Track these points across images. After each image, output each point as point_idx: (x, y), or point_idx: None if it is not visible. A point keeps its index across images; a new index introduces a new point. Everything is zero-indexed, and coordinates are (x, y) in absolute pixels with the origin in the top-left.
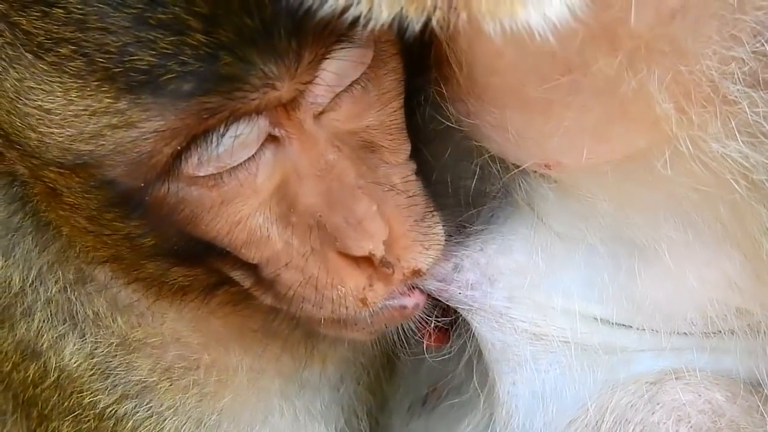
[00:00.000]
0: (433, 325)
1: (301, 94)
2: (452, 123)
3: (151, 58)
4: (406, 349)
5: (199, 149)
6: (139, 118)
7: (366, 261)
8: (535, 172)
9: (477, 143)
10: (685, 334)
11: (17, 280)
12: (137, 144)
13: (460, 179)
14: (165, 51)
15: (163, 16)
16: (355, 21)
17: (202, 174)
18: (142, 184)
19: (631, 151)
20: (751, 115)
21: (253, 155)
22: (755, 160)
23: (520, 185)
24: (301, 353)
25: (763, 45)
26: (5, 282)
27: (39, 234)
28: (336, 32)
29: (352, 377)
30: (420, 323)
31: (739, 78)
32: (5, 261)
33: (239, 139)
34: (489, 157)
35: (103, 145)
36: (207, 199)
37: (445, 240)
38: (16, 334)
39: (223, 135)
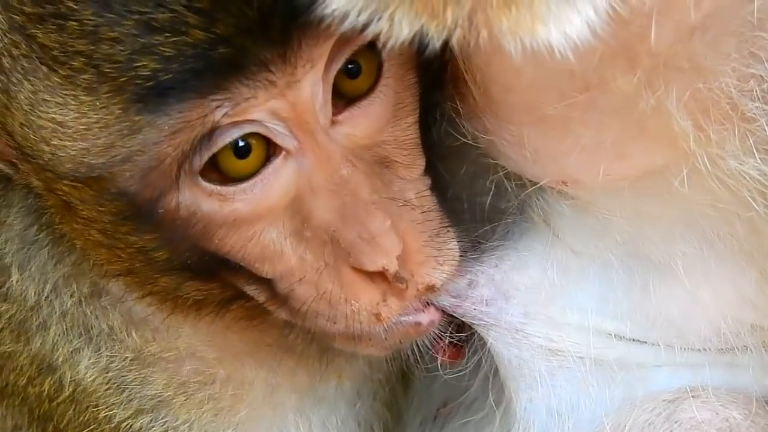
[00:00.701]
0: (447, 341)
1: (301, 84)
2: (468, 139)
3: (154, 64)
4: (420, 364)
5: (204, 147)
6: (147, 124)
7: (380, 276)
8: (552, 188)
9: (493, 160)
10: (700, 350)
11: (32, 294)
12: (146, 150)
13: (476, 195)
14: (167, 54)
15: (164, 17)
16: (376, 38)
17: (211, 189)
18: (154, 195)
19: (649, 169)
20: None
21: (267, 169)
22: None
23: (536, 202)
24: (317, 368)
25: None
26: (21, 296)
27: (54, 247)
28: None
29: (368, 392)
30: (435, 339)
31: (758, 95)
32: (21, 274)
33: (245, 141)
34: (504, 174)
35: (115, 156)
36: (220, 214)
37: (460, 256)
38: (31, 348)
39: (228, 134)
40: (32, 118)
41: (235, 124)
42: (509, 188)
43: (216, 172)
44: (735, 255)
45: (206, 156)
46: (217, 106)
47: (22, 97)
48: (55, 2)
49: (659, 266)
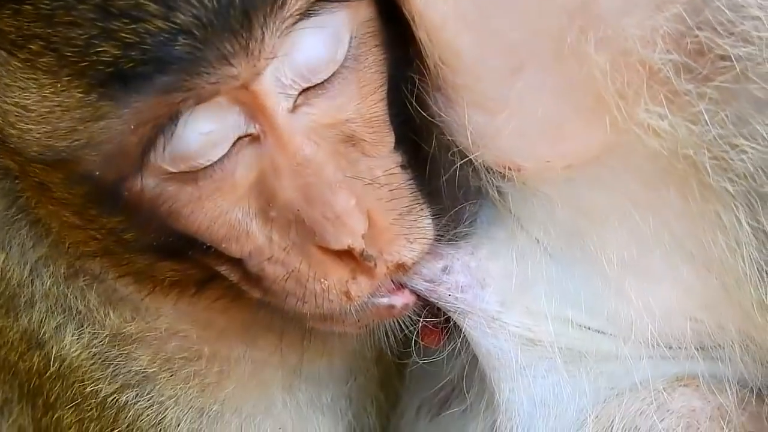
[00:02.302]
0: (422, 323)
1: (262, 76)
2: (432, 116)
3: (114, 50)
4: (395, 347)
5: (167, 142)
6: (108, 109)
7: (348, 254)
8: (502, 174)
9: (451, 138)
10: (674, 347)
11: (16, 273)
12: (108, 135)
13: (442, 175)
14: (127, 40)
15: (123, 3)
16: None
17: (175, 170)
18: (118, 178)
19: (586, 154)
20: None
21: (228, 152)
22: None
23: (496, 188)
24: (305, 346)
25: None
26: (6, 274)
27: (32, 228)
28: (295, 14)
29: (360, 371)
30: (412, 321)
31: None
32: (5, 254)
33: (210, 135)
34: (461, 155)
35: (78, 140)
36: (184, 195)
37: (436, 240)
38: (20, 324)
39: (190, 126)
40: None
41: (192, 108)
42: (466, 170)
43: (176, 155)
44: (672, 253)
45: (168, 142)
46: (181, 99)
47: None
48: None
49: (607, 263)
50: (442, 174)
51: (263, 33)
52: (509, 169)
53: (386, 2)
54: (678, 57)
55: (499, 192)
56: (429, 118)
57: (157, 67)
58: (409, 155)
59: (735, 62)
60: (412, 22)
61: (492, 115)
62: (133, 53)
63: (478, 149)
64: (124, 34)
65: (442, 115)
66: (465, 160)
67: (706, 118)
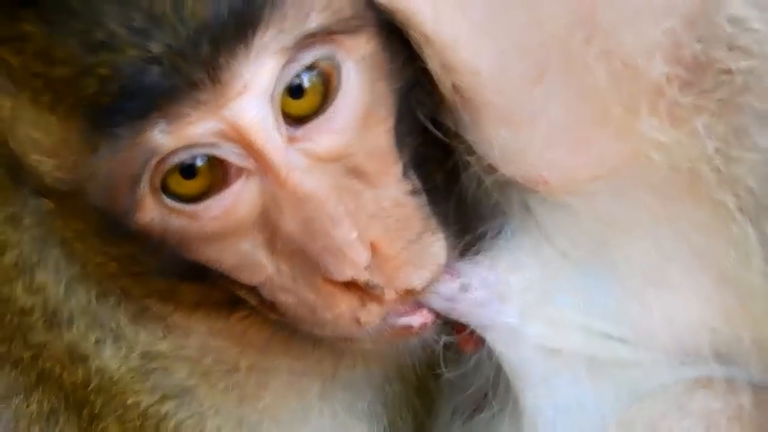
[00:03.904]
0: (469, 330)
1: (242, 110)
2: (449, 137)
3: (95, 85)
4: (423, 359)
5: (155, 171)
6: (99, 143)
7: (354, 284)
8: (529, 189)
9: (470, 157)
10: (696, 354)
11: (54, 290)
12: (103, 169)
13: (464, 194)
14: (104, 74)
15: (100, 35)
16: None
17: (175, 207)
18: (123, 211)
19: (606, 164)
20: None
21: (231, 188)
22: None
23: (520, 201)
24: (341, 355)
25: None
26: (47, 290)
27: (64, 247)
28: (270, 47)
29: (396, 378)
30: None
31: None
32: (43, 271)
33: (190, 162)
34: (484, 173)
35: (81, 173)
36: (190, 229)
37: (454, 257)
38: (64, 339)
39: (174, 155)
40: (14, 132)
41: (185, 147)
42: (493, 186)
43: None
44: (691, 264)
45: (158, 176)
46: (155, 126)
47: (6, 114)
48: (14, 25)
49: (630, 274)
50: (461, 193)
51: (229, 62)
52: (536, 182)
53: (391, 33)
54: (676, 70)
55: (524, 206)
56: (448, 139)
57: (129, 97)
58: (425, 179)
59: (735, 75)
60: (420, 50)
61: (517, 129)
62: (109, 87)
63: (504, 165)
64: (101, 69)
65: (465, 134)
66: (490, 177)
67: (706, 131)
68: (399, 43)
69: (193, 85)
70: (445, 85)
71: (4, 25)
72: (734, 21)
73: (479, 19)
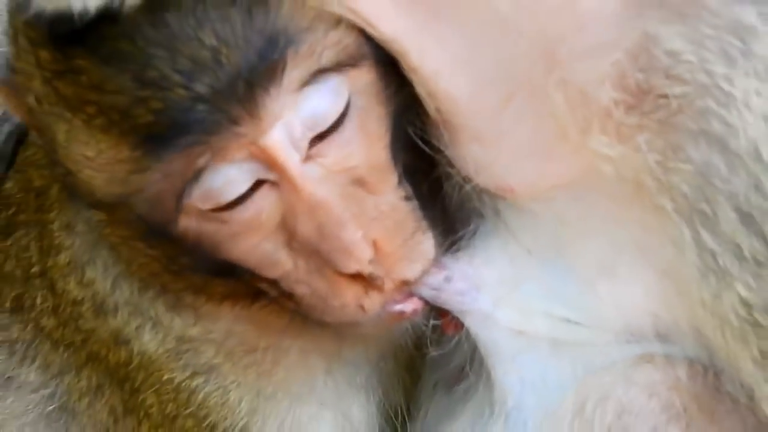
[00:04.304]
0: (451, 316)
1: (269, 135)
2: (437, 152)
3: (149, 115)
4: (413, 340)
5: (195, 185)
6: (149, 163)
7: (360, 276)
8: (499, 196)
9: (451, 169)
10: (640, 335)
11: (102, 285)
12: (150, 186)
13: (448, 199)
14: (156, 107)
15: (152, 75)
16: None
17: (207, 208)
18: (164, 220)
19: (564, 176)
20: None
21: (252, 198)
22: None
23: (492, 206)
24: (344, 337)
25: None
26: (95, 285)
27: (111, 250)
28: (294, 82)
29: (390, 356)
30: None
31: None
32: (92, 270)
33: (229, 178)
34: (464, 182)
35: (129, 187)
36: (221, 233)
37: (439, 252)
38: (109, 325)
39: (214, 173)
40: (69, 152)
41: (214, 163)
42: (470, 194)
43: (205, 195)
44: (636, 259)
45: (197, 192)
46: (200, 155)
47: (61, 137)
48: (69, 60)
49: (584, 267)
50: (445, 199)
51: (265, 99)
52: (504, 190)
53: (386, 64)
54: (622, 95)
55: (494, 210)
56: (433, 153)
57: (179, 131)
58: (415, 186)
59: (671, 100)
60: (410, 78)
61: (488, 146)
62: (162, 118)
63: (478, 176)
64: (154, 102)
65: (446, 150)
66: (466, 185)
67: (647, 147)
68: (393, 73)
69: (233, 121)
70: (430, 108)
71: (58, 61)
72: (670, 54)
73: (456, 55)
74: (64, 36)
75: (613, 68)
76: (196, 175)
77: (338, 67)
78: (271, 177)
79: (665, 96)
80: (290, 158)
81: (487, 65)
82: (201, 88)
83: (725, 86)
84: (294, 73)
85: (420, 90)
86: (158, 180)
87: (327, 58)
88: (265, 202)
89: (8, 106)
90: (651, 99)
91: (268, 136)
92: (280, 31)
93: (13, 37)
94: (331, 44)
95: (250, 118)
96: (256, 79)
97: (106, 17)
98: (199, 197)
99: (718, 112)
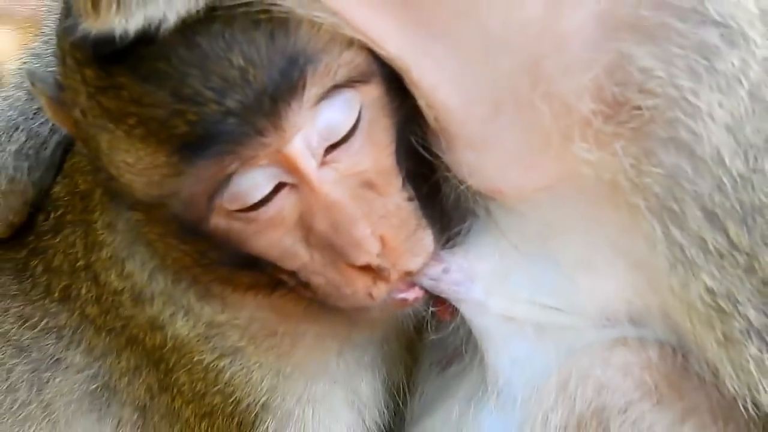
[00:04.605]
0: (448, 303)
1: (291, 144)
2: (435, 157)
3: (184, 126)
4: (414, 325)
5: (225, 188)
6: (184, 169)
7: (368, 268)
8: (489, 197)
9: (448, 173)
10: (615, 320)
11: (139, 276)
12: (185, 188)
13: (446, 199)
14: (192, 119)
15: (189, 92)
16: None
17: (235, 209)
18: (196, 219)
19: (547, 179)
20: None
21: (274, 199)
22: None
23: (484, 206)
24: (355, 322)
25: None
26: (134, 277)
27: (148, 246)
28: (313, 98)
29: (392, 339)
30: (437, 303)
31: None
32: (131, 264)
33: (255, 183)
34: (459, 183)
35: (165, 189)
36: (247, 230)
37: (437, 247)
38: (146, 312)
39: (241, 178)
40: (111, 158)
41: (243, 169)
42: (465, 195)
43: (233, 197)
44: (611, 253)
45: (227, 194)
46: (230, 162)
47: (104, 145)
48: (111, 78)
49: (565, 260)
50: (443, 199)
51: (288, 113)
52: (494, 192)
53: (392, 80)
54: (600, 106)
55: (486, 210)
56: (432, 159)
57: (212, 141)
58: (417, 188)
59: (644, 111)
60: (412, 91)
61: (479, 152)
62: (197, 129)
63: (471, 179)
64: (190, 115)
65: (443, 155)
66: (461, 187)
67: (623, 152)
68: (397, 88)
69: (259, 132)
70: (429, 118)
71: (102, 78)
72: (642, 70)
73: (451, 71)
74: (106, 56)
75: (592, 83)
76: (226, 179)
77: (351, 83)
78: (291, 180)
79: (639, 107)
80: (308, 164)
81: (478, 80)
82: (231, 103)
83: (692, 99)
84: (313, 90)
85: (421, 102)
86: (192, 183)
87: (341, 75)
88: (285, 203)
89: (56, 119)
90: (626, 110)
91: (290, 145)
92: (300, 52)
93: (62, 58)
94: (344, 63)
95: (275, 129)
96: (280, 96)
97: (144, 39)
98: (228, 199)
99: (685, 121)
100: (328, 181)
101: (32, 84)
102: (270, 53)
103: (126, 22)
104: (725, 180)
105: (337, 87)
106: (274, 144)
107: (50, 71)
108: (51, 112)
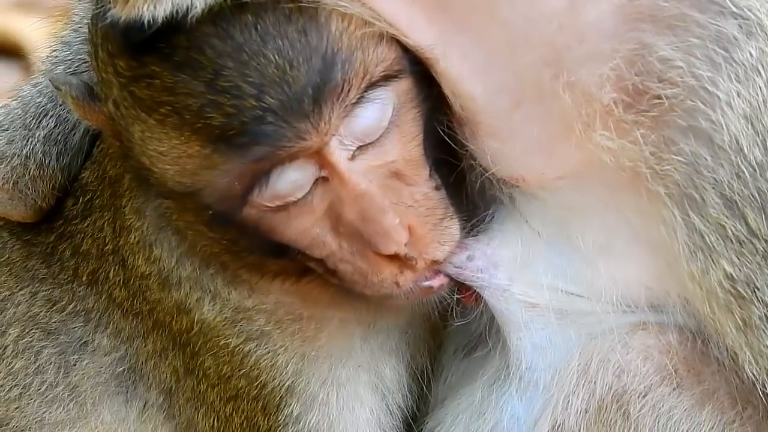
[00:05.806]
0: (473, 290)
1: (329, 144)
2: (461, 147)
3: (221, 117)
4: (439, 311)
5: (263, 187)
6: (219, 162)
7: (396, 256)
8: (513, 185)
9: (473, 161)
10: (635, 305)
11: (167, 262)
12: (219, 181)
13: (471, 188)
14: (229, 111)
15: (226, 84)
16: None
17: (271, 206)
18: (229, 209)
19: (569, 166)
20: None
21: (309, 189)
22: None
23: (508, 194)
24: (379, 308)
25: None
26: (162, 263)
27: (176, 233)
28: (353, 99)
29: (416, 324)
30: (462, 289)
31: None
32: (159, 250)
33: (295, 183)
34: (483, 171)
35: (198, 180)
36: (278, 219)
37: (463, 235)
38: (173, 297)
39: (280, 178)
40: (144, 149)
41: (279, 167)
42: (489, 183)
43: (271, 195)
44: (631, 238)
45: (264, 192)
46: (268, 161)
47: (136, 135)
48: (143, 67)
49: (586, 247)
50: (467, 188)
51: (330, 116)
52: (517, 180)
53: (420, 72)
54: (621, 96)
55: (510, 198)
56: (458, 148)
57: (251, 139)
58: (444, 177)
59: (664, 100)
60: (438, 80)
61: (503, 141)
62: (234, 122)
63: (494, 167)
64: (227, 107)
65: (469, 144)
66: (486, 175)
67: (643, 140)
68: (424, 79)
69: (299, 135)
70: (455, 106)
71: (134, 68)
72: (662, 60)
73: (475, 62)
74: (138, 45)
75: (613, 72)
76: (264, 177)
77: (385, 80)
78: (322, 174)
79: (659, 97)
80: (341, 158)
81: (502, 71)
82: (271, 101)
83: (710, 88)
84: (352, 90)
85: (446, 91)
86: (226, 178)
87: (377, 73)
88: (315, 193)
89: (85, 117)
90: (646, 99)
91: (329, 146)
92: (336, 52)
93: (94, 52)
94: (378, 60)
95: (315, 131)
96: (322, 98)
97: (174, 27)
98: (266, 197)
99: (704, 110)
100: (358, 173)
101: (57, 89)
102: (306, 51)
103: (154, 9)
104: (744, 168)
105: (372, 85)
106: (313, 145)
107: (72, 71)
108: (79, 111)
